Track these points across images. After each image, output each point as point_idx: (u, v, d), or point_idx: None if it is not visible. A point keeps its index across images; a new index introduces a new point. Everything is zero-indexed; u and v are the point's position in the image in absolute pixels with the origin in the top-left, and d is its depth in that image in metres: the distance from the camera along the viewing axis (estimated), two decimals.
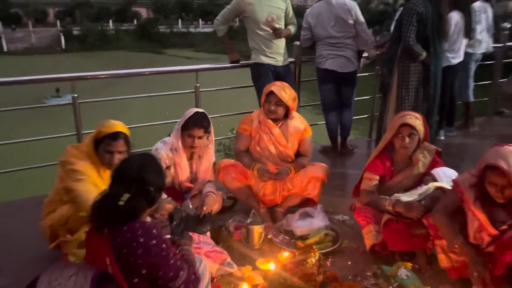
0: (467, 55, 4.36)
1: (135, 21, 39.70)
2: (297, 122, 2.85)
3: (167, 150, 2.64)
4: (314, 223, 2.65)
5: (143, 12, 41.91)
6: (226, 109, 4.44)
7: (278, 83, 2.81)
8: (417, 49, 3.27)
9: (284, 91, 2.72)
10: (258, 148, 2.85)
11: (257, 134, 2.84)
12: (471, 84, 4.63)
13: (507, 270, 1.99)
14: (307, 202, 2.86)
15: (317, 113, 4.21)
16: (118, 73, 3.65)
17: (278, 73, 3.66)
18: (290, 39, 3.76)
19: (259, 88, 3.70)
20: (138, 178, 1.57)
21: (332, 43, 3.75)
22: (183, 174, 2.69)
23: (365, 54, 3.93)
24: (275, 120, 2.81)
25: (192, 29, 39.52)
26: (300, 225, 2.61)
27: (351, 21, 3.66)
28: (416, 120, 2.45)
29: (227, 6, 3.68)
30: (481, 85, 5.13)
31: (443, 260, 2.25)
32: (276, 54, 3.62)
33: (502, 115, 5.45)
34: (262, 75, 3.65)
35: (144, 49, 34.65)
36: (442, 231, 2.21)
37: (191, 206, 2.51)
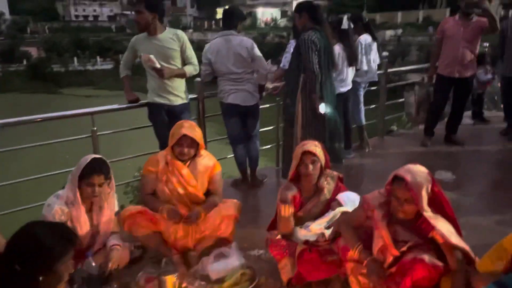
0: (356, 83, 4.71)
1: (24, 61, 36.96)
2: (206, 159, 2.81)
3: (61, 204, 2.40)
4: (229, 263, 2.58)
5: (33, 51, 39.27)
6: (130, 151, 4.23)
7: (186, 123, 2.75)
8: (316, 79, 3.40)
9: (195, 131, 2.71)
10: (166, 190, 2.74)
11: (164, 175, 2.74)
12: (362, 108, 5.01)
13: None
14: (221, 241, 2.78)
15: (226, 144, 4.19)
16: (4, 122, 3.25)
17: (173, 112, 3.59)
18: (193, 76, 3.73)
19: (155, 127, 3.67)
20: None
21: (233, 78, 3.81)
22: (83, 228, 2.46)
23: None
24: (183, 160, 2.74)
25: (89, 67, 37.88)
26: (215, 268, 2.52)
27: (249, 58, 3.75)
28: (316, 147, 2.54)
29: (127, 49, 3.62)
30: (372, 109, 5.58)
31: (353, 283, 2.31)
32: (169, 94, 3.55)
33: (391, 134, 5.97)
34: (155, 114, 3.59)
35: (38, 90, 32.25)
36: (345, 239, 2.29)
37: (93, 264, 2.29)
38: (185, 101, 3.68)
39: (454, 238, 2.09)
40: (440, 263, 2.02)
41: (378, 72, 5.11)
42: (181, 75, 3.55)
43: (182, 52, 3.54)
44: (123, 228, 2.70)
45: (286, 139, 3.74)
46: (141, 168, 5.66)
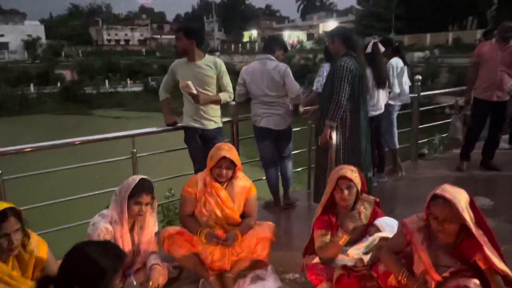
0: (389, 106, 4.71)
1: (58, 84, 38.50)
2: (243, 181, 2.87)
3: (106, 223, 2.48)
4: (266, 286, 2.59)
5: (67, 74, 40.90)
6: (164, 172, 4.33)
7: (225, 146, 2.84)
8: (341, 111, 3.40)
9: (234, 153, 2.78)
10: (204, 212, 2.79)
11: (202, 196, 2.80)
12: (395, 132, 4.98)
13: None
14: (257, 264, 2.80)
15: (258, 166, 4.24)
16: (43, 145, 3.36)
17: (206, 136, 3.68)
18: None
19: (190, 150, 3.78)
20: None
21: (266, 102, 3.88)
22: (125, 247, 2.53)
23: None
24: (221, 182, 2.80)
25: (120, 89, 39.12)
26: None
27: (281, 82, 3.83)
28: (352, 172, 2.55)
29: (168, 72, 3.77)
30: (403, 132, 5.53)
31: None
32: (203, 118, 3.65)
33: (423, 157, 5.88)
34: (190, 138, 3.70)
35: (70, 111, 33.49)
36: (388, 266, 2.26)
37: (135, 283, 2.34)
38: (219, 125, 3.77)
39: (498, 263, 2.04)
40: None
41: (411, 95, 5.10)
42: (216, 101, 3.66)
43: (219, 79, 3.66)
44: (162, 248, 2.75)
45: (319, 163, 3.73)
46: (172, 189, 5.79)
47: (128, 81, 39.94)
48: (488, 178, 4.91)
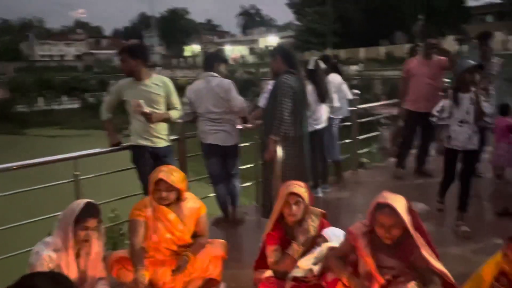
0: (330, 119, 4.93)
1: None
2: (191, 203, 2.84)
3: (49, 251, 2.37)
4: None
5: None
6: (108, 194, 4.20)
7: (164, 168, 2.78)
8: (284, 126, 3.49)
9: (173, 175, 2.71)
10: (154, 238, 2.74)
11: (151, 222, 2.74)
12: (337, 144, 5.21)
13: None
14: (209, 282, 2.80)
15: (207, 183, 4.23)
16: None
17: (157, 155, 3.65)
18: None
19: (138, 170, 3.69)
20: None
21: (212, 119, 3.92)
22: (71, 275, 2.42)
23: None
24: (168, 205, 2.76)
25: (55, 106, 37.19)
26: None
27: (226, 98, 3.88)
28: (300, 188, 2.65)
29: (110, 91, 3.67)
30: (344, 144, 5.79)
31: None
32: (153, 136, 3.61)
33: (363, 167, 6.18)
34: (140, 157, 3.63)
35: (1, 131, 31.30)
36: (334, 270, 2.36)
37: None
38: (168, 143, 3.75)
39: (434, 262, 2.21)
40: None
41: (349, 108, 5.37)
42: (167, 119, 3.65)
43: (167, 97, 3.66)
44: (110, 273, 2.67)
45: (266, 178, 3.77)
46: (115, 210, 5.60)
47: (64, 98, 38.16)
48: (422, 184, 5.25)
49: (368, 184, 5.43)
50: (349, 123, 5.73)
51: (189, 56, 60.25)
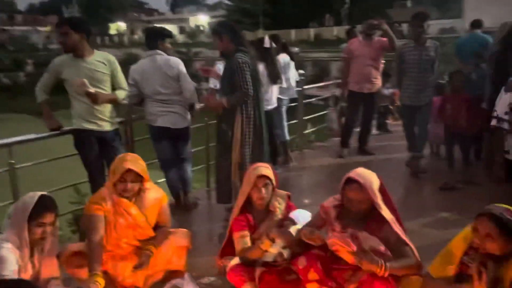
0: (279, 100, 4.88)
1: None
2: (153, 192, 2.62)
3: (14, 249, 2.07)
4: None
5: None
6: (46, 184, 3.83)
7: (128, 156, 2.54)
8: (247, 99, 3.37)
9: (140, 164, 2.51)
10: (114, 233, 2.50)
11: (112, 217, 2.49)
12: (285, 125, 5.20)
13: None
14: (172, 274, 2.64)
15: (156, 168, 4.00)
16: None
17: (104, 139, 3.37)
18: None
19: (83, 156, 3.39)
20: None
21: (161, 100, 3.69)
22: (26, 277, 2.15)
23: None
24: (128, 197, 2.53)
25: None
26: None
27: (176, 77, 3.66)
28: (267, 170, 2.58)
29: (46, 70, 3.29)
30: (291, 124, 5.81)
31: None
32: (98, 119, 3.31)
33: (310, 147, 6.25)
34: (85, 142, 3.33)
35: None
36: (305, 236, 2.33)
37: None
38: (116, 126, 3.47)
39: (404, 236, 2.28)
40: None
41: (297, 89, 5.37)
42: (114, 100, 3.35)
43: (113, 76, 3.36)
44: (65, 269, 2.42)
45: (221, 162, 3.60)
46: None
47: None
48: (365, 162, 5.41)
49: (315, 164, 5.50)
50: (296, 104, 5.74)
51: (114, 35, 57.13)
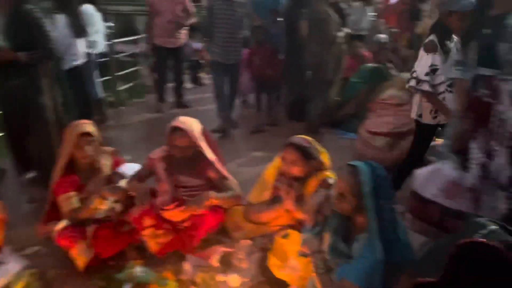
0: (87, 55, 4.55)
1: None
2: None
3: None
4: (10, 269, 2.26)
5: None
6: None
7: None
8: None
9: None
10: None
11: None
12: (96, 81, 4.90)
13: None
14: None
15: None
16: None
17: None
18: None
19: None
20: None
21: None
22: None
23: None
24: None
25: None
26: None
27: None
28: (90, 126, 2.50)
29: None
30: (103, 81, 5.51)
31: (152, 246, 2.48)
32: None
33: (127, 103, 6.03)
34: None
35: None
36: (136, 191, 2.47)
37: None
38: None
39: (227, 173, 2.60)
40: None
41: (107, 43, 5.08)
42: None
43: None
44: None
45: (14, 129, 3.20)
46: None
47: None
48: (183, 115, 5.48)
49: (134, 121, 5.39)
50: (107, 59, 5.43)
51: None
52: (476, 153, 2.00)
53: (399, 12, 6.99)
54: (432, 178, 2.17)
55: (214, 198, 2.39)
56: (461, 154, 2.09)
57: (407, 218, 2.28)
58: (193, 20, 5.48)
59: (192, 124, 2.47)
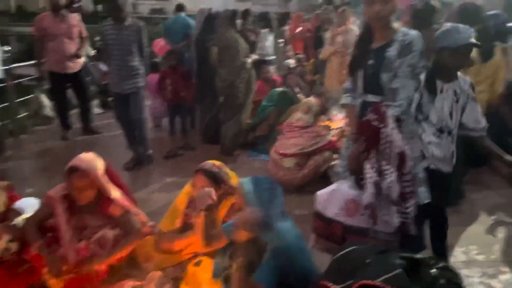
0: None
1: None
2: None
3: None
4: None
5: None
6: None
7: None
8: None
9: None
10: None
11: None
12: None
13: None
14: None
15: None
16: None
17: None
18: None
19: None
20: None
21: None
22: None
23: None
24: None
25: None
26: None
27: None
28: None
29: None
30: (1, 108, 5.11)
31: (54, 285, 2.31)
32: None
33: (28, 131, 5.63)
34: None
35: None
36: (28, 236, 2.26)
37: None
38: None
39: (132, 207, 2.48)
40: None
41: (3, 67, 4.73)
42: None
43: None
44: None
45: None
46: None
47: None
48: (92, 141, 5.30)
49: (37, 150, 5.03)
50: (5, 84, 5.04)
51: None
52: (369, 172, 2.16)
53: (304, 39, 7.48)
54: (332, 198, 2.31)
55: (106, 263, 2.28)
56: (357, 174, 2.25)
57: (311, 237, 2.38)
58: (86, 44, 5.33)
59: (92, 163, 2.30)
